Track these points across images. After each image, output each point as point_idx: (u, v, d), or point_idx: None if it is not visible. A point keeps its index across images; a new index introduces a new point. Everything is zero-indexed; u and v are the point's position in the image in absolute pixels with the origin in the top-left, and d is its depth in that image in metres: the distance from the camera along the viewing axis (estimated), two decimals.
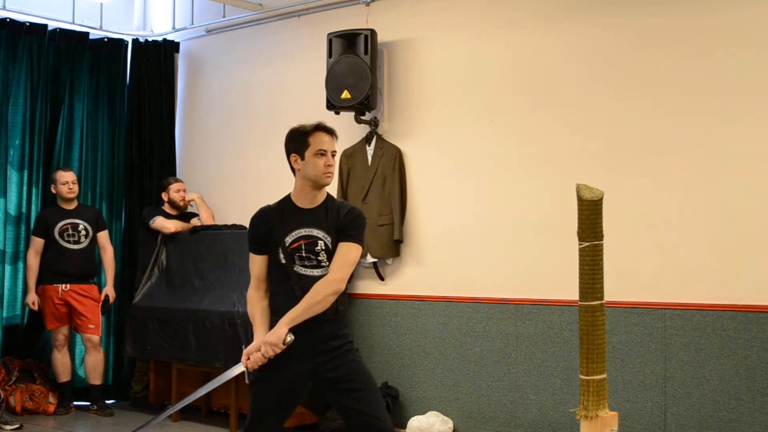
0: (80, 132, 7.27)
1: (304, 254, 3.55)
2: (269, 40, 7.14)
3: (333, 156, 3.60)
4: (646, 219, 5.19)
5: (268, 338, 3.47)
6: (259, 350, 3.48)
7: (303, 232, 3.56)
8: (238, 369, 3.62)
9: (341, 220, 3.56)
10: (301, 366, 3.53)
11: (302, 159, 3.57)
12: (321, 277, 3.52)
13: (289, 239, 3.56)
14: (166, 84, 7.64)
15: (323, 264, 3.54)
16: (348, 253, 3.53)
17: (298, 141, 3.59)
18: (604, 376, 3.25)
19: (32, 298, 6.69)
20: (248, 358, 3.52)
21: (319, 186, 3.59)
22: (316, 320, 3.49)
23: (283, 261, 3.56)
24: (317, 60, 6.51)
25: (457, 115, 6.02)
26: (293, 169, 3.62)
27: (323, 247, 3.55)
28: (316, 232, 3.56)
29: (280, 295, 3.57)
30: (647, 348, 5.14)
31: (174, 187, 7.09)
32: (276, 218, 3.60)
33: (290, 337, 3.45)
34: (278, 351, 3.45)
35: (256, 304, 3.64)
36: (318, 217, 3.58)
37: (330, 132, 3.62)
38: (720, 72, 4.98)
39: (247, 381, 3.65)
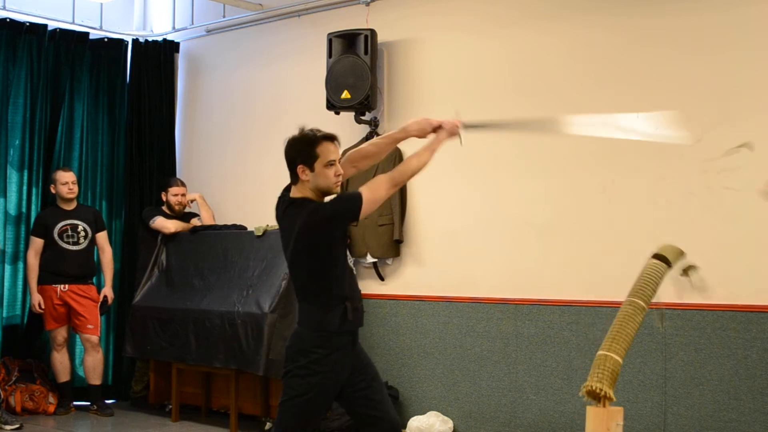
0: (80, 132, 7.26)
1: None
2: (269, 40, 7.14)
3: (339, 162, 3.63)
4: (646, 219, 5.18)
5: (445, 124, 3.82)
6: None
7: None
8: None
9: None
10: (345, 372, 3.60)
11: (311, 170, 3.53)
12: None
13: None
14: (166, 84, 7.63)
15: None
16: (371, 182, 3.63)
17: (304, 152, 3.54)
18: (621, 360, 3.11)
19: (37, 299, 6.67)
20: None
21: (330, 194, 3.62)
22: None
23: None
24: (317, 60, 6.50)
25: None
26: (296, 178, 3.58)
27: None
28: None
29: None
30: (647, 348, 5.13)
31: (173, 190, 7.04)
32: None
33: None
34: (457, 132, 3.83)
35: None
36: None
37: (335, 140, 3.61)
38: (720, 72, 4.97)
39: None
